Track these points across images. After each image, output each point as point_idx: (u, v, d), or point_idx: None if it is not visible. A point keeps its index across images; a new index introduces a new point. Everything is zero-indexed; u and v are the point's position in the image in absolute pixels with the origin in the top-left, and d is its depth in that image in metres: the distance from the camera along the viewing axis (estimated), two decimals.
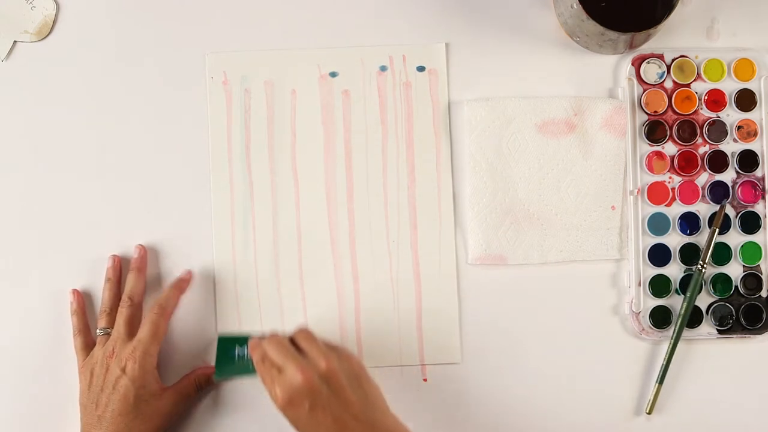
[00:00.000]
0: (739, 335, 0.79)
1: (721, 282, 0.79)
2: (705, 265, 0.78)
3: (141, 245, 0.79)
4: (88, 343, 0.77)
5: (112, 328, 0.76)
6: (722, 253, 0.79)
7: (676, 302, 0.79)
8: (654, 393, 0.78)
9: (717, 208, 0.79)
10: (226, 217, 0.80)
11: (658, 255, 0.79)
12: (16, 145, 0.80)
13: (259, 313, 0.79)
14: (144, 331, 0.74)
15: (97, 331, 0.76)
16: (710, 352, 0.79)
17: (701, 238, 0.79)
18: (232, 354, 0.74)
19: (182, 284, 0.78)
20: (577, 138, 0.80)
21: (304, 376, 0.67)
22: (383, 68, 0.80)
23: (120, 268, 0.79)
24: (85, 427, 0.73)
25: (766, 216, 0.79)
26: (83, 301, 0.78)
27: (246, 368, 0.73)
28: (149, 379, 0.73)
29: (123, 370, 0.72)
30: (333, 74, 0.80)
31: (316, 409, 0.67)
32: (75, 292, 0.78)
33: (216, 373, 0.75)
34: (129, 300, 0.76)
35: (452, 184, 0.80)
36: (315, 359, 0.69)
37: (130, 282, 0.77)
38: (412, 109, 0.80)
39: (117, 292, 0.78)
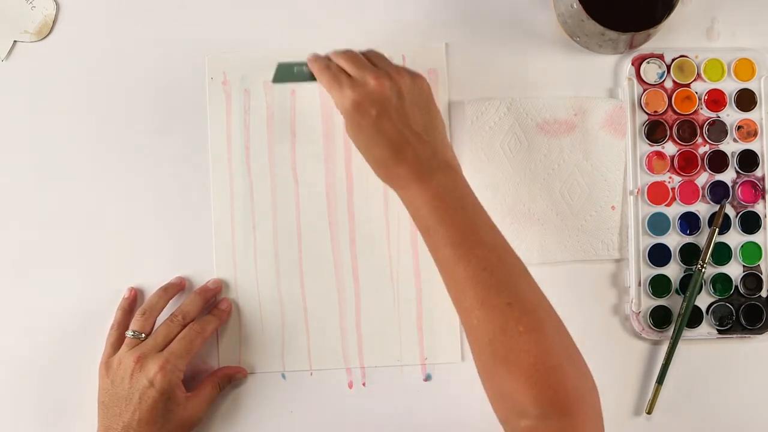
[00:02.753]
0: (739, 335, 0.79)
1: (721, 282, 0.79)
2: (705, 265, 0.78)
3: (217, 279, 0.79)
4: (119, 340, 0.76)
5: (144, 332, 0.75)
6: (722, 253, 0.79)
7: (676, 302, 0.79)
8: (654, 393, 0.78)
9: (717, 208, 0.79)
10: (226, 216, 0.80)
11: (658, 255, 0.79)
12: (16, 144, 0.80)
13: (260, 312, 0.79)
14: (178, 345, 0.75)
15: (129, 332, 0.76)
16: (710, 352, 0.79)
17: (701, 238, 0.79)
18: (290, 69, 0.74)
19: (223, 315, 0.78)
20: (577, 138, 0.80)
21: (378, 82, 0.68)
22: None
23: (184, 286, 0.79)
24: (106, 430, 0.73)
25: (766, 216, 0.79)
26: (135, 301, 0.79)
27: (304, 77, 0.73)
28: (176, 391, 0.74)
29: (152, 383, 0.72)
30: None
31: (382, 117, 0.68)
32: (132, 290, 0.78)
33: (273, 79, 0.75)
34: (181, 318, 0.76)
35: None
36: (388, 71, 0.69)
37: (190, 302, 0.77)
38: None
39: (165, 302, 0.78)
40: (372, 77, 0.69)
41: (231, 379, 0.78)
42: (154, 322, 0.77)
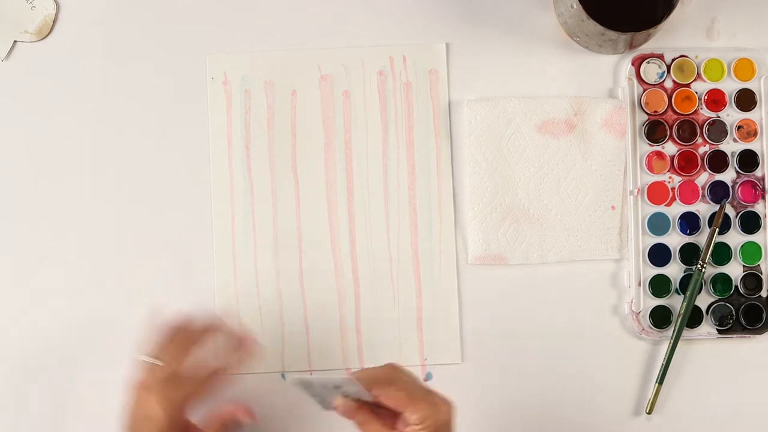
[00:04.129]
0: (739, 335, 0.79)
1: (721, 282, 0.79)
2: (705, 265, 0.78)
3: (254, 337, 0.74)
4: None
5: (164, 361, 0.69)
6: (722, 253, 0.79)
7: (676, 302, 0.79)
8: (654, 393, 0.78)
9: (717, 208, 0.79)
10: (226, 217, 0.80)
11: (658, 255, 0.79)
12: (15, 145, 0.80)
13: (259, 312, 0.79)
14: (196, 386, 0.69)
15: (147, 358, 0.69)
16: (710, 352, 0.79)
17: (701, 238, 0.79)
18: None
19: (246, 361, 0.73)
20: (577, 138, 0.80)
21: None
22: (383, 69, 0.80)
23: (220, 329, 0.73)
24: None
25: (766, 216, 0.79)
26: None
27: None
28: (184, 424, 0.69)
29: (156, 416, 0.67)
30: (333, 75, 0.80)
31: None
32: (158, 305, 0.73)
33: None
34: (206, 361, 0.70)
35: (452, 184, 0.80)
36: (406, 403, 0.65)
37: (221, 349, 0.72)
38: (412, 109, 0.80)
39: (198, 338, 0.71)
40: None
41: (240, 425, 0.74)
42: (182, 355, 0.70)
